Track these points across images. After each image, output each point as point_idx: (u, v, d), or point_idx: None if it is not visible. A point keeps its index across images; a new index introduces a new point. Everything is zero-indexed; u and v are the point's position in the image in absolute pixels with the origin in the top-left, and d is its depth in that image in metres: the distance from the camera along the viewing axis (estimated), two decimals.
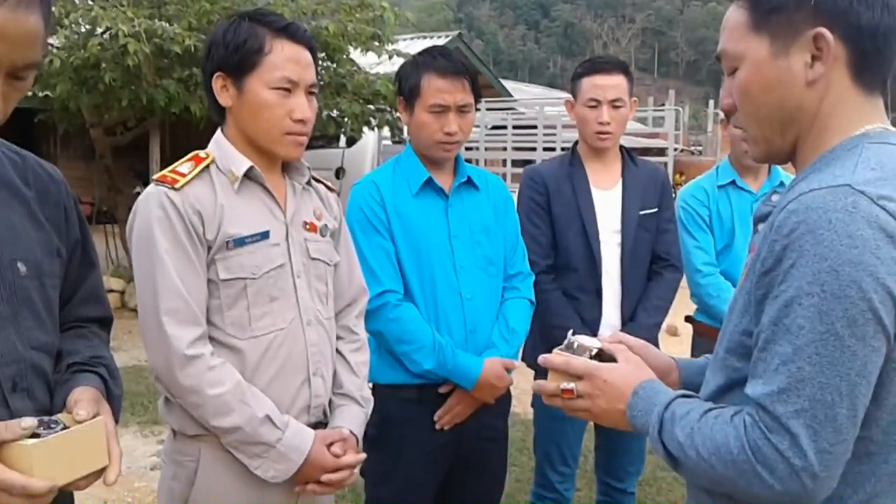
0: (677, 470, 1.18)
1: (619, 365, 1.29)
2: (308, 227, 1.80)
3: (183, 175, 1.66)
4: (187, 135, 9.81)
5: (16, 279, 1.25)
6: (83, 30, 7.11)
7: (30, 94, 6.60)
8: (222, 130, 1.77)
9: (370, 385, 2.29)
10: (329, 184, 1.96)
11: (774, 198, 1.24)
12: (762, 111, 1.17)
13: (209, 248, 1.64)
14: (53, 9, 6.84)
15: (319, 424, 1.79)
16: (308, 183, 1.85)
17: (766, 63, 1.14)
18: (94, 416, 1.20)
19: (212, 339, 1.65)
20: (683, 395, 1.21)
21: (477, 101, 2.26)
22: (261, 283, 1.68)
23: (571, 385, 1.27)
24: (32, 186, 1.35)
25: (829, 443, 1.01)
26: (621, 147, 2.82)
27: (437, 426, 2.25)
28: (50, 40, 7.47)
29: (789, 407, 1.02)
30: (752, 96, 1.17)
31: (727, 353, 1.18)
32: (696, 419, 1.13)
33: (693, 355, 3.00)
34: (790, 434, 1.02)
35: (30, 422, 1.11)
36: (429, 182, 2.25)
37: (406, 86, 2.24)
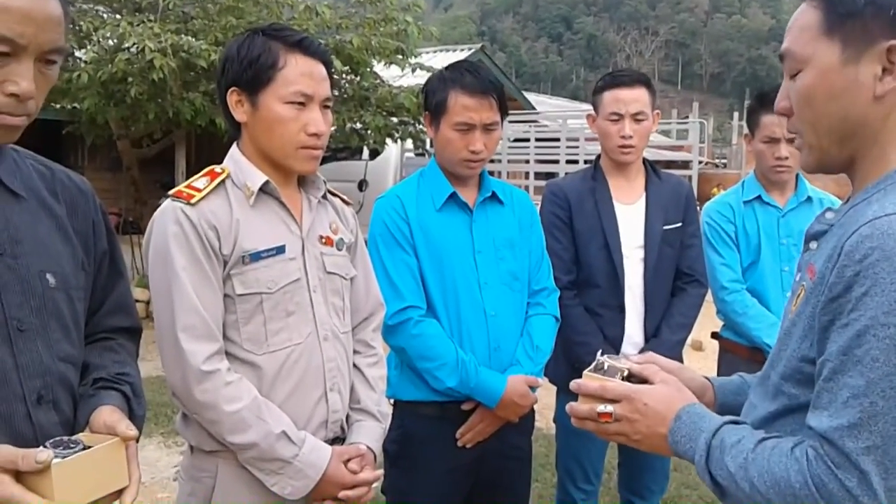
0: (724, 500, 1.14)
1: (658, 387, 1.24)
2: (324, 240, 1.79)
3: (199, 190, 1.66)
4: (212, 147, 9.91)
5: (45, 291, 1.26)
6: (111, 45, 7.22)
7: (58, 106, 6.70)
8: (237, 145, 1.77)
9: (391, 401, 2.28)
10: (345, 197, 1.95)
11: (829, 215, 1.19)
12: (823, 120, 1.12)
13: (225, 263, 1.64)
14: (82, 23, 7.00)
15: (337, 440, 1.78)
16: (324, 196, 1.84)
17: (833, 70, 1.10)
18: (114, 437, 1.20)
19: (228, 355, 1.65)
20: (732, 421, 1.17)
21: (504, 116, 2.23)
22: (277, 298, 1.67)
23: (609, 408, 1.22)
24: (61, 200, 1.36)
25: None
26: (645, 161, 2.79)
27: (460, 444, 2.23)
28: (78, 54, 7.62)
29: (860, 443, 0.98)
30: (815, 103, 1.12)
31: (782, 380, 1.14)
32: (750, 449, 1.09)
33: (720, 372, 2.96)
34: (859, 471, 0.98)
35: (45, 456, 1.09)
36: (453, 197, 2.24)
37: (432, 101, 2.22)
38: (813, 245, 1.18)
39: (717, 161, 20.50)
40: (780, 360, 1.16)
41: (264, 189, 1.71)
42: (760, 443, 1.09)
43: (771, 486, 1.04)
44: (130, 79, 6.86)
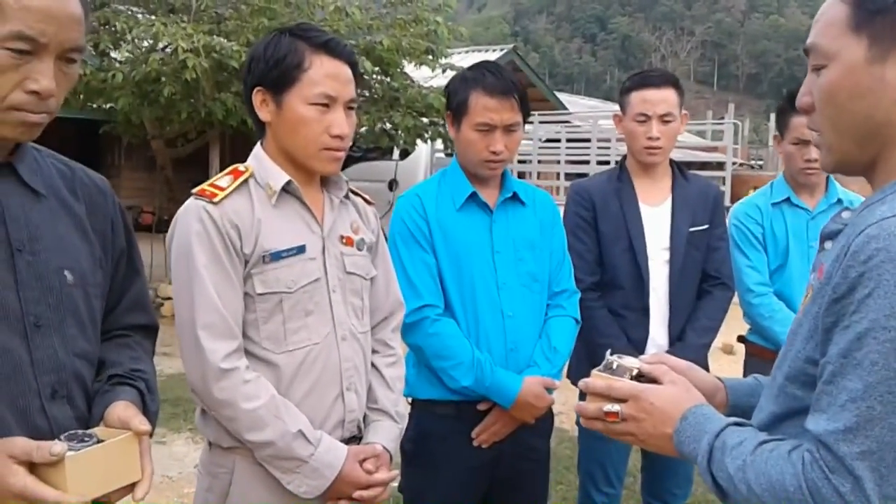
0: (725, 502, 1.13)
1: (666, 387, 1.23)
2: (345, 240, 1.79)
3: (222, 189, 1.68)
4: (245, 147, 10.01)
5: (63, 287, 1.28)
6: (145, 45, 7.33)
7: (94, 106, 6.79)
8: (261, 144, 1.79)
9: (409, 400, 2.28)
10: (367, 196, 1.96)
11: (845, 215, 1.16)
12: (845, 119, 1.09)
13: (246, 262, 1.65)
14: (117, 24, 7.11)
15: (353, 439, 1.78)
16: (346, 196, 1.85)
17: (859, 68, 1.06)
18: (127, 431, 1.21)
19: (247, 353, 1.66)
20: (736, 423, 1.15)
21: (526, 117, 2.23)
22: (296, 298, 1.68)
23: (616, 408, 1.21)
24: (81, 198, 1.38)
25: (894, 488, 0.96)
26: (672, 161, 2.76)
27: (475, 443, 2.22)
28: (113, 55, 7.72)
29: (855, 448, 0.96)
30: (837, 101, 1.08)
31: (787, 381, 1.12)
32: (750, 451, 1.07)
33: (745, 376, 2.91)
34: (853, 476, 0.96)
35: (59, 448, 1.11)
36: (473, 197, 2.23)
37: (454, 101, 2.22)
38: (828, 245, 1.15)
39: (752, 163, 20.24)
40: (785, 361, 1.14)
41: (286, 189, 1.72)
42: (760, 445, 1.08)
43: (766, 489, 1.03)
44: (164, 79, 6.97)
